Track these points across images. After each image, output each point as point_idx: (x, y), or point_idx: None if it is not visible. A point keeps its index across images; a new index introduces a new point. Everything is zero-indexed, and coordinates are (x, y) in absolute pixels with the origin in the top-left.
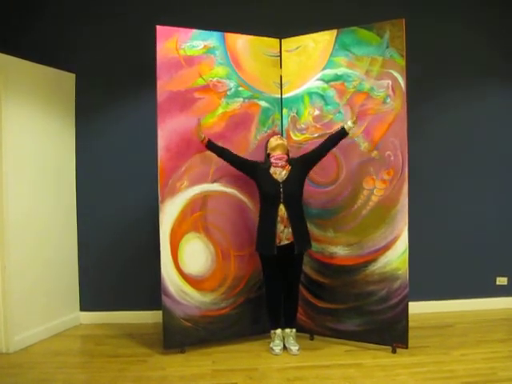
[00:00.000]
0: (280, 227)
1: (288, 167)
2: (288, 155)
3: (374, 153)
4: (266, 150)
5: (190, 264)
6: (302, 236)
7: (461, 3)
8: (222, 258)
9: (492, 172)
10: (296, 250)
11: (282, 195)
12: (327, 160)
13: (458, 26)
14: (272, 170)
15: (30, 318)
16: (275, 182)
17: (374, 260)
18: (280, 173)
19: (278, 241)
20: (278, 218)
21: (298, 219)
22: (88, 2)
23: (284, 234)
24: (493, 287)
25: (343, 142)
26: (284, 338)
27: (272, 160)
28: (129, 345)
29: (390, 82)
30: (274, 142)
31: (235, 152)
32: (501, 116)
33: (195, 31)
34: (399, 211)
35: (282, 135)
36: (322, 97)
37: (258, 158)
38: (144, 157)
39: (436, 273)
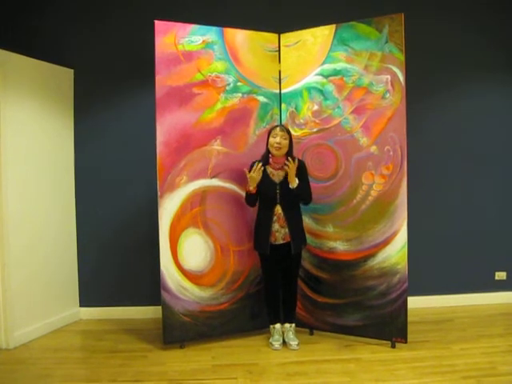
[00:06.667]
0: (275, 226)
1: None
2: (288, 154)
3: (373, 148)
4: (268, 143)
5: (189, 259)
6: (298, 237)
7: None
8: (221, 253)
9: (491, 167)
10: (293, 251)
11: (278, 196)
12: (326, 155)
13: (458, 22)
14: (269, 170)
15: (30, 314)
16: (272, 183)
17: (373, 255)
18: (278, 174)
19: (273, 239)
20: (274, 218)
21: (294, 220)
22: None
23: (280, 233)
24: (492, 282)
25: (342, 137)
26: (283, 333)
27: (270, 161)
28: (129, 340)
29: (389, 77)
30: (275, 144)
31: (236, 146)
32: (500, 110)
33: (194, 26)
34: (398, 206)
35: (285, 129)
36: (321, 92)
37: (257, 152)
38: (143, 152)
39: (435, 267)
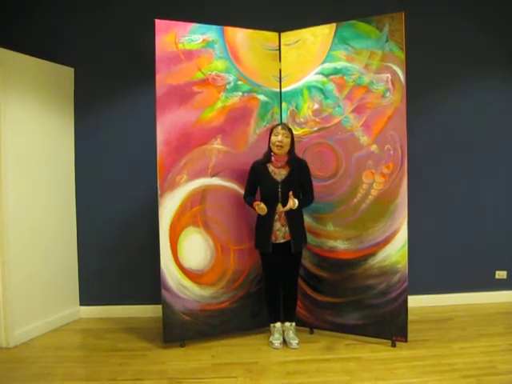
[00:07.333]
0: (277, 225)
1: (287, 168)
2: (290, 153)
3: (374, 147)
4: (269, 141)
5: (189, 258)
6: (298, 235)
7: None
8: (221, 252)
9: (492, 166)
10: (292, 249)
11: (280, 195)
12: (326, 154)
13: (458, 21)
14: (271, 168)
15: (30, 313)
16: (274, 181)
17: (373, 254)
18: (279, 173)
19: (273, 238)
20: (276, 217)
21: (295, 219)
22: None
23: (281, 232)
24: (492, 281)
25: (342, 135)
26: (284, 332)
27: (272, 159)
28: (129, 339)
29: (390, 76)
30: (277, 142)
31: (236, 144)
32: (501, 109)
33: (194, 25)
34: (398, 205)
35: (286, 127)
36: (322, 91)
37: (257, 151)
38: (143, 150)
39: (435, 266)
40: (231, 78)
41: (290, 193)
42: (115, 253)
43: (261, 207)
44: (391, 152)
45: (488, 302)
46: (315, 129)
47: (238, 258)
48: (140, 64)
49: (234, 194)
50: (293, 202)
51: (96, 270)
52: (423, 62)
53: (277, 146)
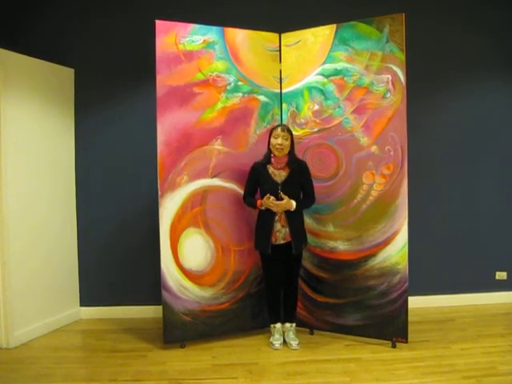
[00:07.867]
0: (277, 226)
1: (287, 169)
2: (290, 154)
3: (374, 147)
4: (269, 143)
5: (189, 259)
6: (298, 236)
7: None
8: (221, 253)
9: (492, 166)
10: (294, 251)
11: (280, 196)
12: (327, 155)
13: (458, 21)
14: (271, 170)
15: (30, 313)
16: (274, 182)
17: (373, 255)
18: (279, 174)
19: (273, 239)
20: (276, 218)
21: (295, 220)
22: None
23: (281, 233)
24: (492, 282)
25: (343, 136)
26: (284, 333)
27: (272, 161)
28: (129, 340)
29: (390, 77)
30: (277, 145)
31: (237, 144)
32: (501, 110)
33: (194, 26)
34: (399, 206)
35: (286, 129)
36: (322, 91)
37: (258, 152)
38: (143, 151)
39: (436, 267)
40: (231, 78)
41: (281, 193)
42: (116, 253)
43: (270, 199)
44: (391, 153)
45: (488, 302)
46: (315, 130)
47: (239, 258)
48: (140, 65)
49: (235, 194)
50: (287, 201)
51: (96, 270)
52: (423, 63)
53: (277, 148)
